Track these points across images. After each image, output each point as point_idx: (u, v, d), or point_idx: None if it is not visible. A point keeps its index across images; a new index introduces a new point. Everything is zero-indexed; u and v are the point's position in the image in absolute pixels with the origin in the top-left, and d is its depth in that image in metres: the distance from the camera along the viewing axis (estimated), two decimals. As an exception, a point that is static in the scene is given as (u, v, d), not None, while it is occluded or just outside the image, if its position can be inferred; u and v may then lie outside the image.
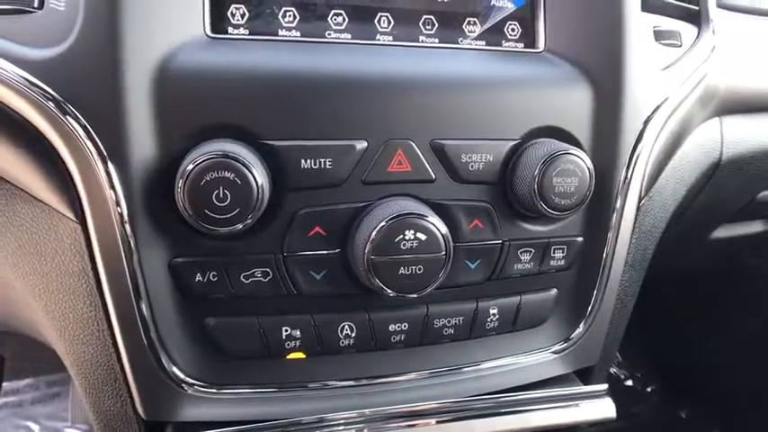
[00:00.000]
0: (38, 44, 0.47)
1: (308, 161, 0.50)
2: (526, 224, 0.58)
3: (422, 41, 0.57)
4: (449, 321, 0.58)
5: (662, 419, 1.51)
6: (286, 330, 0.54)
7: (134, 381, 0.54)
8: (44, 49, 0.47)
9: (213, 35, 0.51)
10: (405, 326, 0.56)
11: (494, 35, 0.59)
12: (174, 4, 0.49)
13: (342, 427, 0.57)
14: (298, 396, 0.57)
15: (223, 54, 0.50)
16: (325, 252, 0.52)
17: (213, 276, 0.51)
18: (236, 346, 0.54)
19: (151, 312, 0.51)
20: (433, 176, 0.54)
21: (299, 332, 0.54)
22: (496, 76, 0.56)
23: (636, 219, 0.64)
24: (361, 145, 0.52)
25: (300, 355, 0.55)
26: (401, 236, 0.50)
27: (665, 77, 0.63)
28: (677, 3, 0.67)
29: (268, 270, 0.52)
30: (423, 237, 0.51)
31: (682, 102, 0.65)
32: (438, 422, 0.60)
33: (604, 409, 0.65)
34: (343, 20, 0.55)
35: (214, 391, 0.55)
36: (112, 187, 0.48)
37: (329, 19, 0.55)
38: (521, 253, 0.58)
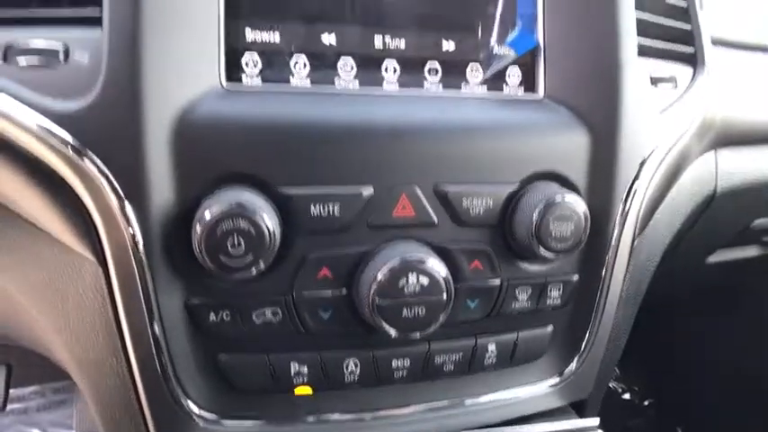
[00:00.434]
0: (62, 96, 0.50)
1: (317, 207, 0.53)
2: (524, 264, 0.60)
3: (426, 88, 0.59)
4: (449, 357, 0.60)
5: (659, 433, 1.54)
6: (294, 366, 0.57)
7: (149, 411, 0.57)
8: (68, 101, 0.50)
9: (228, 85, 0.54)
10: (407, 362, 0.59)
11: (496, 80, 0.61)
12: (192, 58, 0.52)
13: None
14: (303, 429, 0.59)
15: (237, 105, 0.53)
16: (332, 293, 0.55)
17: (226, 316, 0.54)
18: (247, 380, 0.57)
19: (167, 348, 0.54)
20: (436, 220, 0.56)
21: (306, 368, 0.57)
22: (498, 123, 0.59)
23: (630, 255, 0.67)
24: (368, 191, 0.54)
25: (307, 389, 0.58)
26: (404, 279, 0.53)
27: (661, 120, 0.65)
28: (672, 47, 0.69)
29: (278, 310, 0.54)
30: (425, 281, 0.53)
31: (677, 142, 0.67)
32: None
33: None
34: (352, 68, 0.57)
35: (224, 422, 0.58)
36: (132, 231, 0.51)
37: (338, 66, 0.57)
38: (518, 292, 0.60)
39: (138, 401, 0.56)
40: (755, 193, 0.88)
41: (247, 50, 0.55)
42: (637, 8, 0.63)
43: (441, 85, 0.60)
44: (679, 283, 1.13)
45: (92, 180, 0.50)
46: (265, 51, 0.55)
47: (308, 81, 0.56)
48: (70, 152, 0.50)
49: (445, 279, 0.54)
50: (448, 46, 0.60)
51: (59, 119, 0.50)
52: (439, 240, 0.57)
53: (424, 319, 0.54)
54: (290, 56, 0.56)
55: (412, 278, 0.53)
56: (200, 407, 0.57)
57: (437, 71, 0.60)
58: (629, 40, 0.61)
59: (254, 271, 0.50)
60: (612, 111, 0.60)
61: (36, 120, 0.50)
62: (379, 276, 0.53)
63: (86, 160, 0.50)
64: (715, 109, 0.74)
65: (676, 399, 1.54)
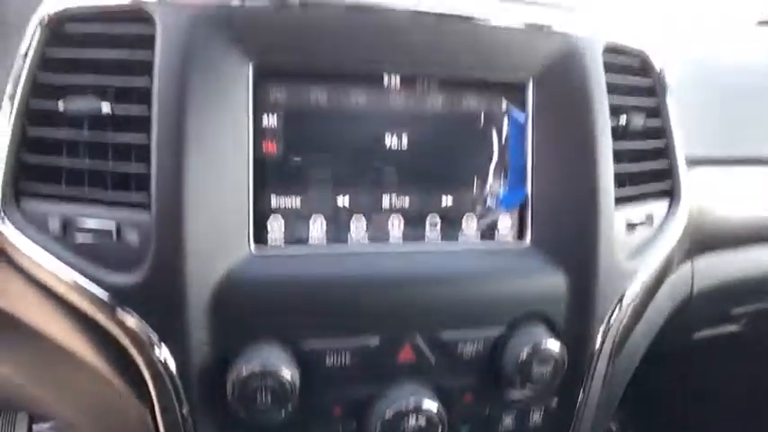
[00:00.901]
0: (115, 269, 0.59)
1: (332, 357, 0.62)
2: (510, 395, 0.69)
3: (427, 238, 0.68)
4: None
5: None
6: None
7: None
8: (121, 275, 0.59)
9: (255, 250, 0.62)
10: None
11: (488, 228, 0.70)
12: (227, 231, 0.61)
13: None
14: None
15: (263, 268, 0.62)
16: (342, 428, 0.65)
17: None
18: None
19: None
20: (434, 363, 0.66)
21: None
22: (488, 271, 0.68)
23: (606, 372, 0.76)
24: (375, 341, 0.64)
25: None
26: (405, 419, 0.63)
27: (637, 260, 0.74)
28: (650, 188, 0.76)
29: None
30: (423, 422, 0.63)
31: (653, 274, 0.75)
32: None
33: None
34: (363, 225, 0.66)
35: None
36: (175, 383, 0.60)
37: (351, 224, 0.66)
38: (504, 416, 0.70)
39: None
40: (732, 289, 0.96)
41: (272, 215, 0.64)
42: (616, 153, 0.71)
43: (440, 236, 0.68)
44: (667, 354, 1.21)
45: (141, 342, 0.60)
46: (288, 215, 0.64)
47: (325, 239, 0.65)
48: (124, 320, 0.59)
49: (440, 416, 0.64)
50: (446, 201, 0.68)
51: (114, 291, 0.59)
52: (436, 379, 0.66)
53: None
54: (310, 217, 0.65)
55: (412, 419, 0.63)
56: None
57: (437, 223, 0.68)
58: (607, 194, 0.69)
59: (278, 415, 0.60)
60: (590, 257, 0.69)
61: (93, 290, 0.59)
62: (386, 414, 0.63)
63: (137, 326, 0.59)
64: (689, 227, 0.82)
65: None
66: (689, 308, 0.92)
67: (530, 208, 0.70)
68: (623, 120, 0.73)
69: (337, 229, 0.66)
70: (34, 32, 0.60)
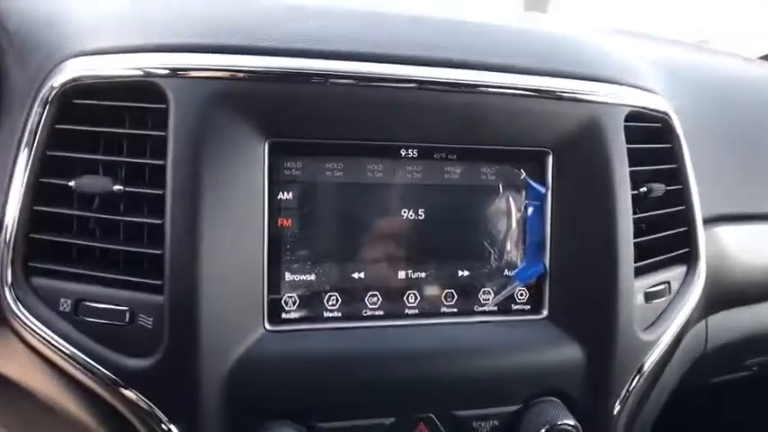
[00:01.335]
0: (128, 353, 0.58)
1: None
2: None
3: (443, 311, 0.67)
4: None
5: None
6: None
7: None
8: (133, 359, 0.58)
9: (270, 326, 0.61)
10: None
11: (505, 300, 0.69)
12: (241, 312, 0.59)
13: None
14: None
15: (278, 346, 0.61)
16: None
17: None
18: None
19: None
20: None
21: None
22: (504, 347, 0.66)
23: (625, 434, 0.75)
24: (390, 421, 0.62)
25: None
26: None
27: (655, 330, 0.72)
28: (668, 256, 0.75)
29: None
30: None
31: (670, 342, 0.74)
32: None
33: None
34: (378, 300, 0.65)
35: None
36: None
37: (365, 300, 0.65)
38: None
39: None
40: (745, 343, 0.95)
41: (287, 292, 0.63)
42: (636, 223, 0.69)
43: (455, 309, 0.67)
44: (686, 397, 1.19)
45: (149, 422, 0.58)
46: (302, 291, 0.63)
47: (340, 314, 0.64)
48: (133, 401, 0.58)
49: None
50: (463, 274, 0.67)
51: (124, 375, 0.58)
52: None
53: None
54: (324, 293, 0.64)
55: None
56: None
57: (453, 296, 0.67)
58: (626, 267, 0.68)
59: None
60: (608, 330, 0.68)
61: (102, 373, 0.58)
62: None
63: (146, 407, 0.58)
64: (705, 288, 0.81)
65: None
66: (701, 361, 0.91)
67: (547, 280, 0.69)
68: (644, 189, 0.72)
69: (352, 305, 0.64)
70: (44, 106, 0.59)
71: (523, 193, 0.68)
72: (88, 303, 0.59)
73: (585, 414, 0.67)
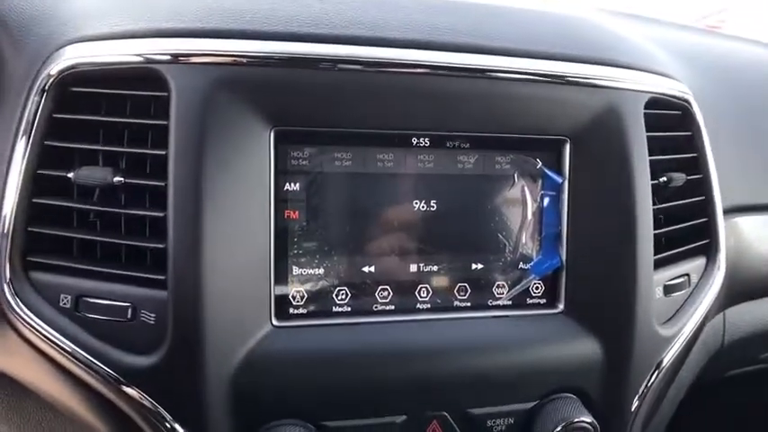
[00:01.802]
0: (130, 350, 0.56)
1: None
2: None
3: (456, 305, 0.65)
4: None
5: None
6: None
7: None
8: (136, 356, 0.56)
9: (277, 322, 0.59)
10: None
11: (520, 294, 0.66)
12: (247, 306, 0.57)
13: None
14: None
15: (285, 343, 0.58)
16: None
17: None
18: None
19: None
20: None
21: None
22: (519, 341, 0.64)
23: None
24: (402, 419, 0.60)
25: None
26: None
27: (674, 325, 0.70)
28: (686, 247, 0.73)
29: None
30: None
31: (689, 336, 0.72)
32: None
33: None
34: (388, 294, 0.63)
35: None
36: None
37: (376, 294, 0.63)
38: None
39: None
40: (761, 338, 0.92)
41: (294, 286, 0.60)
42: (656, 214, 0.67)
43: (469, 303, 0.65)
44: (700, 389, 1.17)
45: (153, 421, 0.57)
46: (310, 285, 0.61)
47: (349, 309, 0.62)
48: (135, 399, 0.56)
49: None
50: (476, 267, 0.65)
51: (127, 373, 0.56)
52: None
53: None
54: (333, 288, 0.62)
55: None
56: None
57: (466, 290, 0.65)
58: (646, 259, 0.65)
59: None
60: (626, 324, 0.65)
61: (103, 371, 0.56)
62: None
63: (150, 406, 0.56)
64: (725, 280, 0.78)
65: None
66: (718, 355, 0.89)
67: (563, 274, 0.66)
68: (663, 179, 0.69)
69: (362, 299, 0.62)
70: (41, 94, 0.57)
71: (539, 182, 0.65)
72: (89, 299, 0.57)
73: (602, 411, 0.65)
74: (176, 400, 0.56)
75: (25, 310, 0.56)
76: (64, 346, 0.56)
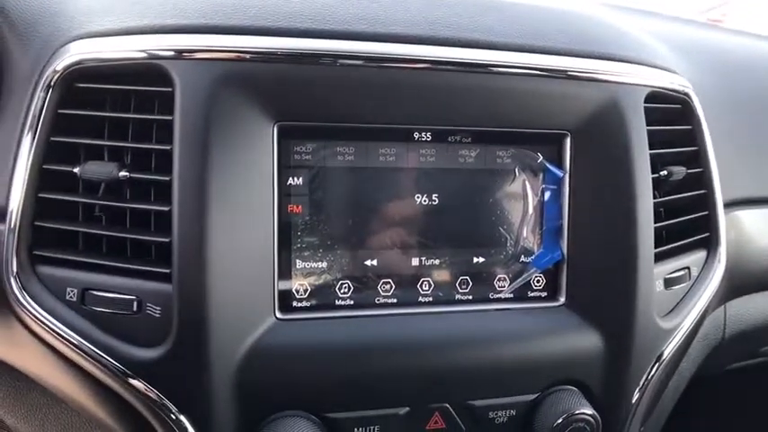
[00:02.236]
0: (135, 343, 0.57)
1: (360, 429, 0.60)
2: None
3: (457, 299, 0.65)
4: None
5: None
6: None
7: None
8: (141, 349, 0.56)
9: (281, 315, 0.60)
10: None
11: (521, 287, 0.67)
12: (251, 300, 0.58)
13: None
14: None
15: (289, 336, 0.59)
16: None
17: None
18: None
19: None
20: (465, 430, 0.63)
21: None
22: (521, 334, 0.65)
23: (642, 425, 0.73)
24: (404, 410, 0.61)
25: None
26: None
27: (674, 317, 0.70)
28: (686, 241, 0.73)
29: None
30: None
31: (690, 328, 0.72)
32: None
33: None
34: (391, 287, 0.63)
35: None
36: None
37: (378, 287, 0.63)
38: None
39: None
40: (762, 332, 0.93)
41: (297, 279, 0.61)
42: (656, 207, 0.67)
43: (470, 296, 0.65)
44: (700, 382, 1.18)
45: (158, 413, 0.57)
46: (313, 279, 0.61)
47: (352, 302, 0.63)
48: (141, 391, 0.57)
49: None
50: (478, 260, 0.65)
51: (132, 366, 0.57)
52: None
53: None
54: (336, 282, 0.62)
55: None
56: None
57: (468, 283, 0.65)
58: (646, 252, 0.66)
59: None
60: (627, 317, 0.66)
61: (110, 364, 0.57)
62: None
63: (155, 398, 0.57)
64: (725, 274, 0.79)
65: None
66: (718, 348, 0.89)
67: (564, 267, 0.67)
68: (664, 172, 0.70)
69: (364, 293, 0.63)
70: (47, 90, 0.57)
71: (540, 176, 0.66)
72: (95, 292, 0.57)
73: (603, 403, 0.66)
74: (181, 392, 0.57)
75: (32, 303, 0.57)
76: (70, 339, 0.57)
